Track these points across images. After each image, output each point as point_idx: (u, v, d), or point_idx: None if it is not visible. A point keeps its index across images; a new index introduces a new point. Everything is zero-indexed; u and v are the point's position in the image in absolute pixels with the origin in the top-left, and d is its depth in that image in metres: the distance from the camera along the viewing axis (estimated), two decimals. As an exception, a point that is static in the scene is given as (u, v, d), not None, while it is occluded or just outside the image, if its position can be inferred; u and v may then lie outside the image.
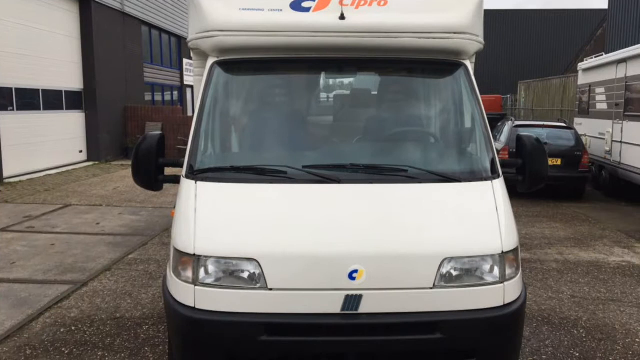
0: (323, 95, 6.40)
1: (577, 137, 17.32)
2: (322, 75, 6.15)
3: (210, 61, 5.51)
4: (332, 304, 4.31)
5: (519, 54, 59.63)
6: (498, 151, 5.88)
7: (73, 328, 6.97)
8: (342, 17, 5.12)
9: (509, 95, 43.98)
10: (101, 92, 24.06)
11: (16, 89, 19.27)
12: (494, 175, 5.01)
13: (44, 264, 9.52)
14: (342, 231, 4.44)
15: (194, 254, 4.39)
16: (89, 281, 8.70)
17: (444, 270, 4.37)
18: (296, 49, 5.32)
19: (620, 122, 16.53)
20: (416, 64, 5.64)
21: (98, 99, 23.86)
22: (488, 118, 5.41)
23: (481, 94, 5.58)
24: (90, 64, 23.55)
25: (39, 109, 20.78)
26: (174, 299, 4.54)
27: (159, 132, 5.40)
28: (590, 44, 42.22)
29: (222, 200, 4.72)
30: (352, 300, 4.29)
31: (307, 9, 5.20)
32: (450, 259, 4.39)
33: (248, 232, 4.46)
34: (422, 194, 4.79)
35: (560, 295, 8.44)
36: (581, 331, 7.14)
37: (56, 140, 21.66)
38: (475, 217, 4.68)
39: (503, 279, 4.48)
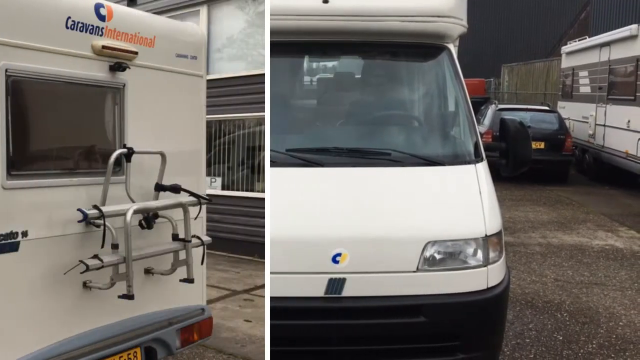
0: (307, 78, 6.37)
1: (561, 121, 17.41)
2: (306, 59, 6.11)
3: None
4: (315, 287, 4.29)
5: (502, 37, 59.44)
6: (482, 134, 5.87)
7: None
8: (325, 1, 5.05)
9: (492, 79, 43.96)
10: None
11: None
12: (478, 158, 4.98)
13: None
14: (325, 215, 4.43)
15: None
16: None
17: (427, 254, 4.35)
18: (280, 32, 5.27)
19: (604, 105, 16.60)
20: (399, 47, 5.59)
21: None
22: (471, 101, 5.40)
23: (464, 77, 5.55)
24: None
25: None
26: None
27: None
28: (574, 27, 42.20)
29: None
30: (336, 284, 4.27)
31: None
32: (434, 242, 4.37)
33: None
34: (405, 177, 4.78)
35: (543, 279, 8.48)
36: (565, 314, 7.18)
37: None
38: (458, 201, 4.67)
39: (486, 262, 4.47)
